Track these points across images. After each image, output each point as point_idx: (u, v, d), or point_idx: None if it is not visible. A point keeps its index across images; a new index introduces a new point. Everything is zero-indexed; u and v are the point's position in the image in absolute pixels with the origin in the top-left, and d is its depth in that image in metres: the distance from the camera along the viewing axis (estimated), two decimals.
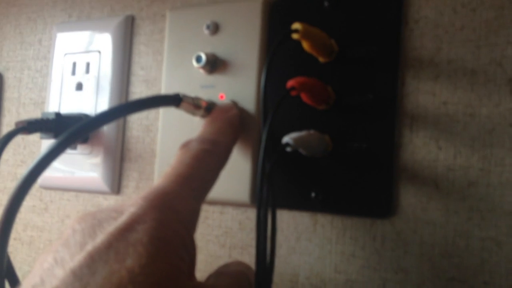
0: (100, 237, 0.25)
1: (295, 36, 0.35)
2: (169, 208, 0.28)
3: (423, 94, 0.37)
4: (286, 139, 0.35)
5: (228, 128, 0.38)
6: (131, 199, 0.29)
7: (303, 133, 0.37)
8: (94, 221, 0.27)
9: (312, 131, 0.38)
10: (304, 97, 0.37)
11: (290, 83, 0.35)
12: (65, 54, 0.53)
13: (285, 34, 0.34)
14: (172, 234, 0.27)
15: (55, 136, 0.48)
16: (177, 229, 0.27)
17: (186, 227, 0.29)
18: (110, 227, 0.26)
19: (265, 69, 0.35)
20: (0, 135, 0.59)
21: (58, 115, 0.48)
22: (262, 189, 0.33)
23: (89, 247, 0.25)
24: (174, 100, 0.39)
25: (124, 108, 0.37)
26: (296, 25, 0.34)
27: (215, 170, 0.35)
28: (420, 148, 0.37)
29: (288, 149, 0.35)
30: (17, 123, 0.46)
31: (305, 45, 0.36)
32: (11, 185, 0.57)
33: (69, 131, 0.35)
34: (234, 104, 0.42)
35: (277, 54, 0.36)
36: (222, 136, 0.37)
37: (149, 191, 0.29)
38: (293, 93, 0.35)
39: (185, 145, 0.35)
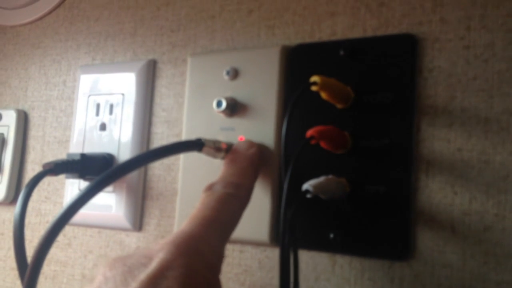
0: (133, 286, 0.27)
1: (314, 88, 0.36)
2: (196, 252, 0.30)
3: (438, 140, 0.38)
4: (306, 186, 0.36)
5: (249, 169, 0.39)
6: (158, 243, 0.30)
7: (321, 179, 0.38)
8: (125, 267, 0.29)
9: (330, 176, 0.39)
10: (323, 144, 0.38)
11: (310, 133, 0.37)
12: (89, 96, 0.55)
13: (304, 87, 0.36)
14: (200, 280, 0.28)
15: (80, 176, 0.50)
16: (204, 273, 0.29)
17: (213, 270, 0.30)
18: (142, 275, 0.27)
19: (285, 122, 0.36)
20: (25, 173, 0.61)
21: (83, 156, 0.50)
22: (284, 236, 0.35)
23: None
24: (196, 145, 0.41)
25: (149, 155, 0.39)
26: (315, 78, 0.36)
27: (238, 212, 0.36)
28: (437, 192, 0.38)
29: (308, 195, 0.36)
30: (44, 165, 0.48)
31: (323, 95, 0.38)
32: (35, 221, 0.59)
33: (97, 180, 0.36)
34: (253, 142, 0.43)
35: (298, 101, 0.37)
36: (245, 178, 0.38)
37: (176, 235, 0.31)
38: (313, 142, 0.37)
39: (209, 188, 0.36)
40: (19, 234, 0.45)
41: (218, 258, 0.32)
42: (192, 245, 0.30)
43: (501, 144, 0.36)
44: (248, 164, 0.39)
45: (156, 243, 0.30)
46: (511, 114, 0.36)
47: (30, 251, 0.40)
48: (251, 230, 0.44)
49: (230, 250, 0.46)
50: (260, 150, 0.42)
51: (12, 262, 0.59)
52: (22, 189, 0.47)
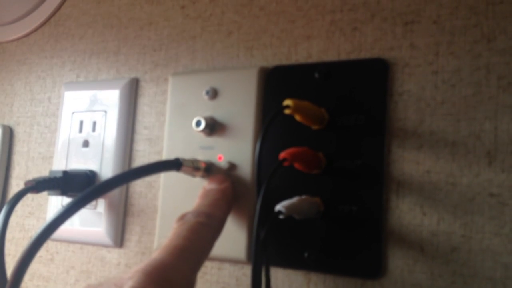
0: None
1: (287, 111, 0.37)
2: (166, 280, 0.30)
3: (408, 162, 0.39)
4: (279, 207, 0.37)
5: (221, 201, 0.40)
6: (129, 272, 0.31)
7: (294, 200, 0.39)
8: None
9: (304, 197, 0.40)
10: (297, 165, 0.39)
11: (282, 155, 0.37)
12: (73, 112, 0.56)
13: (277, 110, 0.37)
14: None
15: (62, 193, 0.51)
16: None
17: None
18: None
19: (258, 145, 0.37)
20: (10, 188, 0.61)
21: (65, 173, 0.51)
22: (256, 256, 0.35)
23: None
24: (174, 165, 0.42)
25: (128, 175, 0.40)
26: (287, 102, 0.37)
27: (210, 242, 0.37)
28: (406, 213, 0.39)
29: (281, 216, 0.37)
30: (26, 183, 0.48)
31: (297, 117, 0.39)
32: (19, 236, 0.60)
33: (78, 197, 0.37)
34: (230, 166, 0.45)
35: (271, 124, 0.38)
36: (217, 209, 0.39)
37: (146, 263, 0.31)
38: (285, 164, 0.38)
39: (181, 218, 0.37)
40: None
41: (188, 286, 0.32)
42: (162, 273, 0.30)
43: (467, 167, 0.37)
44: (221, 197, 0.41)
45: (126, 271, 0.30)
46: (477, 137, 0.37)
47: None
48: (229, 248, 0.44)
49: (209, 267, 0.47)
50: (232, 184, 0.43)
51: None
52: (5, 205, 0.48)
